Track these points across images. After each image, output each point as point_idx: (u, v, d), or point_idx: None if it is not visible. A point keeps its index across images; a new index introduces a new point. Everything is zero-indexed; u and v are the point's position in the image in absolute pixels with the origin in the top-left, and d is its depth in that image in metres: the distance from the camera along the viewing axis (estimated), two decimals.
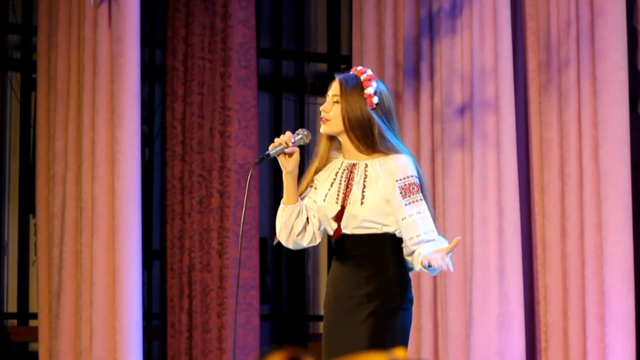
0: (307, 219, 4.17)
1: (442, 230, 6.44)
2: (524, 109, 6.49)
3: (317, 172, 4.22)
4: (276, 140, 4.12)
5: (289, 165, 4.11)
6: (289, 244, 4.21)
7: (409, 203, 4.02)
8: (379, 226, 4.06)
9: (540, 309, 6.39)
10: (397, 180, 4.03)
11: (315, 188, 4.20)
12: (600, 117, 6.12)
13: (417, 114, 6.66)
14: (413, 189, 4.02)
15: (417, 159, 6.47)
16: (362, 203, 4.05)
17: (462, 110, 6.45)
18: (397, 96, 6.76)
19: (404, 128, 6.65)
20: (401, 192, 4.02)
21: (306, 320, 8.62)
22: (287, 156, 4.11)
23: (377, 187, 4.05)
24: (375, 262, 4.05)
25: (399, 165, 4.05)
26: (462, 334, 6.34)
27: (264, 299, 8.04)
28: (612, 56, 6.11)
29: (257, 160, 4.12)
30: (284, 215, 4.15)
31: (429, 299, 6.51)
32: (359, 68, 4.18)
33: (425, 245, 4.00)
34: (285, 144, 4.09)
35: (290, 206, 4.14)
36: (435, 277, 6.55)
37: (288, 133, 4.12)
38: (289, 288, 8.61)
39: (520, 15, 6.51)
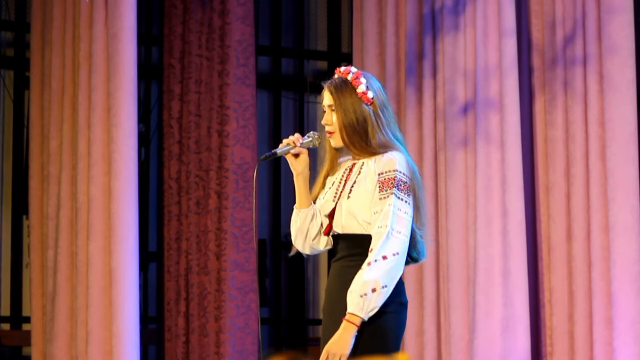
0: (322, 223, 4.13)
1: (444, 231, 6.39)
2: (528, 108, 6.44)
3: (327, 176, 4.20)
4: (284, 140, 4.10)
5: (298, 167, 4.09)
6: (306, 250, 4.17)
7: (381, 198, 3.97)
8: (365, 224, 4.00)
9: (545, 312, 6.35)
10: (378, 174, 4.00)
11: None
12: (608, 116, 6.09)
13: (419, 113, 6.62)
14: (390, 183, 3.97)
15: (419, 159, 6.51)
16: (348, 197, 4.03)
17: (465, 109, 6.40)
18: (399, 95, 6.73)
19: (406, 127, 6.63)
20: (379, 187, 3.98)
21: (306, 324, 8.59)
22: (295, 157, 4.08)
23: (365, 182, 4.01)
24: (360, 265, 3.97)
25: (384, 160, 4.01)
26: (466, 338, 6.29)
27: (262, 302, 7.99)
28: (621, 54, 6.10)
29: (262, 157, 4.08)
30: (298, 220, 4.12)
31: (432, 302, 6.46)
32: (342, 69, 4.13)
33: (358, 276, 3.91)
34: (293, 144, 4.07)
35: (304, 210, 4.11)
36: (437, 280, 6.50)
37: (297, 134, 4.11)
38: (288, 291, 8.54)
39: (525, 12, 6.47)
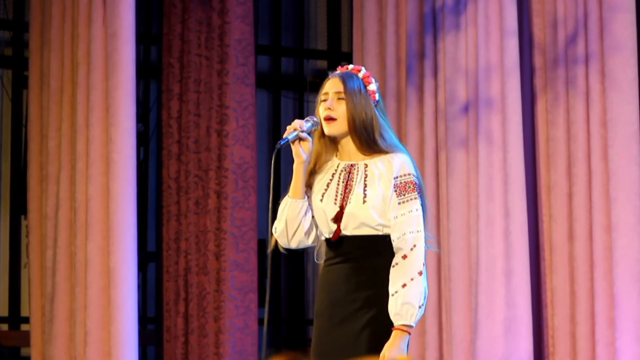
0: (312, 218, 4.03)
1: (446, 231, 6.37)
2: (530, 108, 6.42)
3: (312, 174, 4.09)
4: (288, 127, 3.99)
5: (303, 154, 3.98)
6: (292, 243, 4.04)
7: (402, 202, 3.92)
8: (380, 227, 3.95)
9: (548, 312, 6.33)
10: (394, 178, 3.94)
11: (312, 190, 4.09)
12: (610, 116, 6.06)
13: (420, 112, 6.59)
14: (409, 187, 3.93)
15: (420, 159, 6.48)
16: (364, 202, 3.94)
17: (466, 109, 6.37)
18: (400, 94, 6.69)
19: (406, 127, 6.59)
20: (396, 190, 3.93)
21: (306, 324, 8.54)
22: (300, 143, 3.98)
23: (379, 185, 3.95)
24: (376, 265, 3.94)
25: (397, 163, 3.95)
26: (468, 339, 6.27)
27: (262, 302, 7.94)
28: (623, 53, 6.08)
29: (278, 145, 3.94)
30: (293, 210, 3.99)
31: (434, 302, 6.43)
32: (351, 66, 4.09)
33: (396, 292, 3.88)
34: (300, 129, 3.97)
35: (300, 201, 3.99)
36: (439, 280, 6.49)
37: (298, 120, 4.01)
38: (288, 291, 8.50)
39: (527, 11, 6.45)
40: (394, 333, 3.84)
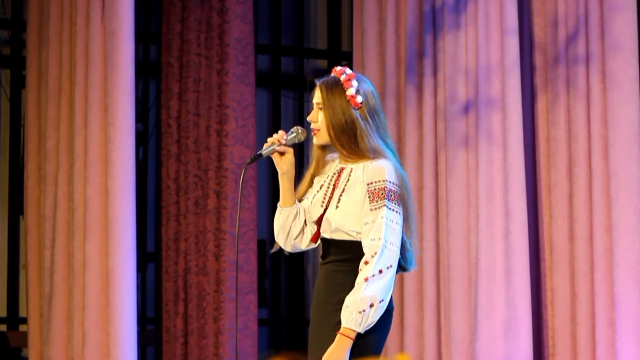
0: (305, 221, 4.12)
1: (445, 231, 6.36)
2: (530, 107, 6.40)
3: (314, 176, 4.16)
4: (269, 139, 4.05)
5: (283, 166, 4.05)
6: (287, 247, 4.17)
7: (373, 209, 3.94)
8: (353, 233, 3.99)
9: (548, 313, 6.31)
10: (367, 184, 3.96)
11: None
12: (611, 115, 6.05)
13: (420, 112, 6.57)
14: (381, 194, 3.94)
15: (420, 159, 6.46)
16: (337, 207, 4.00)
17: (466, 108, 6.35)
18: (399, 93, 6.68)
19: (406, 126, 6.57)
20: (369, 197, 3.95)
21: (305, 325, 8.52)
22: (280, 156, 4.04)
23: (354, 192, 3.99)
24: (348, 270, 3.98)
25: (374, 169, 3.97)
26: (467, 339, 6.25)
27: (262, 303, 7.93)
28: (624, 52, 6.08)
29: (248, 160, 4.06)
30: (280, 218, 4.11)
31: (432, 302, 6.41)
32: (338, 68, 4.10)
33: (351, 292, 3.89)
34: (278, 142, 4.02)
35: (287, 208, 4.09)
36: (438, 281, 6.45)
37: (281, 132, 4.07)
38: (287, 292, 8.49)
39: (527, 10, 6.44)
40: (336, 337, 3.86)
